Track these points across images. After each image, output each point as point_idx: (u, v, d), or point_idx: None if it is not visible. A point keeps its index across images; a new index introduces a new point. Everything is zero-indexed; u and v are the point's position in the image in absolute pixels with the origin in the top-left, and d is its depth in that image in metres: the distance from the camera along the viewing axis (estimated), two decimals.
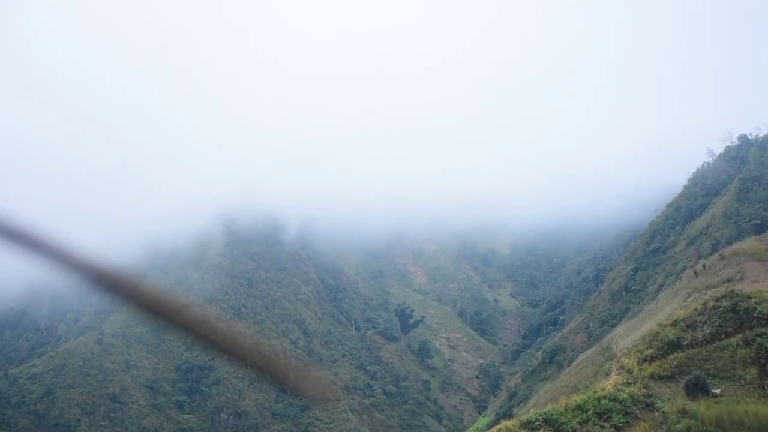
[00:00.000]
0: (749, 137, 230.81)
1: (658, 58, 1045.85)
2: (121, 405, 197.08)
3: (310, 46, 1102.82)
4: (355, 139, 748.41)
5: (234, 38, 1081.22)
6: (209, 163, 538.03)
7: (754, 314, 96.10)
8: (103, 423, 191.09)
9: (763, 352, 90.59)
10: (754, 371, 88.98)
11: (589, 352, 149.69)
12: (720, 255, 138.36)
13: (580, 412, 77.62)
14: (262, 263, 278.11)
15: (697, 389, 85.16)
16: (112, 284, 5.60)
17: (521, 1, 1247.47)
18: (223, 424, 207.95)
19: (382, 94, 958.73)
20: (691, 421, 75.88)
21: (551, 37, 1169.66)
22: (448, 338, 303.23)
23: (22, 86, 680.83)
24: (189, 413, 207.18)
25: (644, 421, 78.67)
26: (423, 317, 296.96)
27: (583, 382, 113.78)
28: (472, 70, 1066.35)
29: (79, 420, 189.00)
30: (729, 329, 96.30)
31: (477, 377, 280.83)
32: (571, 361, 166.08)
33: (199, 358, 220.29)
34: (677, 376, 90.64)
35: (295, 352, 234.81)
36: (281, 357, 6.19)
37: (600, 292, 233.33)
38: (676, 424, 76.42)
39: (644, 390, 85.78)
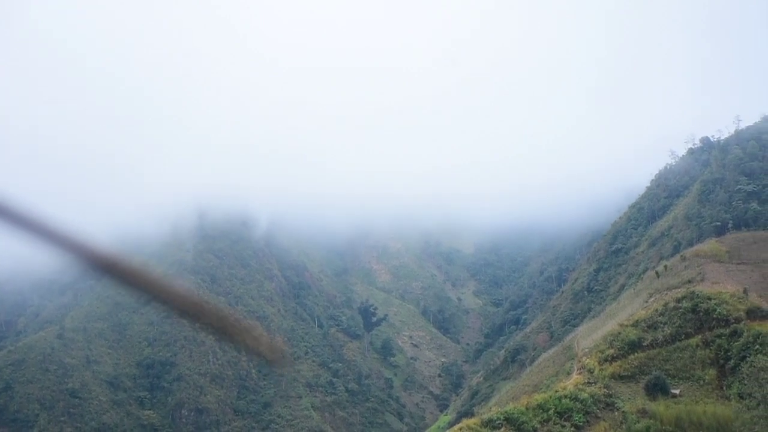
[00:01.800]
0: (711, 140, 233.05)
1: (634, 67, 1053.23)
2: (81, 400, 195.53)
3: (293, 37, 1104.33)
4: (324, 134, 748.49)
5: (221, 28, 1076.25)
6: (182, 154, 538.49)
7: (714, 315, 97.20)
8: (62, 418, 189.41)
9: (722, 353, 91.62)
10: (712, 372, 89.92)
11: (550, 351, 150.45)
12: (681, 256, 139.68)
13: (541, 411, 78.05)
14: (226, 259, 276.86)
15: (656, 389, 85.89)
16: (98, 263, 5.86)
17: (498, 19, 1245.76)
18: (184, 420, 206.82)
19: (359, 90, 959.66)
20: (651, 421, 76.51)
21: (533, 43, 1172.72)
22: (411, 336, 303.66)
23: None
24: (150, 409, 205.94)
25: (604, 420, 79.21)
26: (386, 315, 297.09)
27: (545, 381, 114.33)
28: (450, 74, 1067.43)
29: (37, 415, 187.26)
30: (689, 330, 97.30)
31: (439, 376, 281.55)
32: (532, 361, 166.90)
33: (161, 353, 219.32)
34: (637, 376, 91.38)
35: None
36: (239, 319, 6.45)
37: (562, 292, 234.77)
38: (635, 423, 77.01)
39: (605, 390, 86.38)
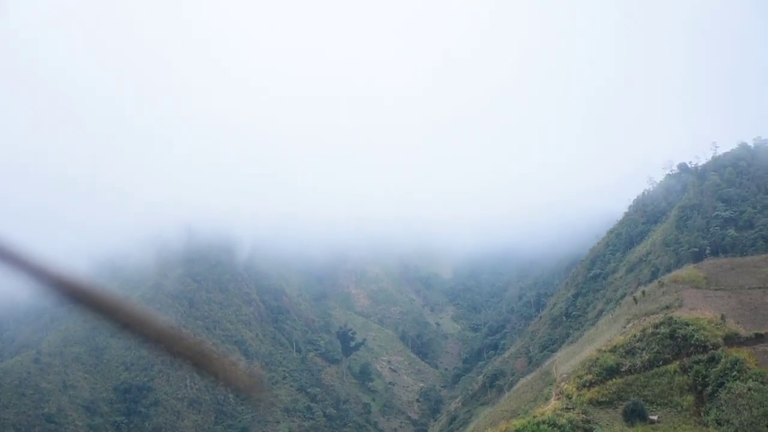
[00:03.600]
0: (689, 166, 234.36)
1: (615, 96, 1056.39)
2: (57, 426, 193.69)
3: (279, 63, 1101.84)
4: (304, 159, 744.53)
5: (207, 52, 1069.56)
6: (167, 175, 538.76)
7: (692, 341, 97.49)
8: None
9: (700, 379, 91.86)
10: (690, 398, 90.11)
11: (529, 376, 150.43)
12: (659, 282, 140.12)
13: None
14: (204, 283, 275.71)
15: (634, 415, 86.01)
16: (69, 291, 5.80)
17: (481, 51, 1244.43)
18: None
19: (340, 116, 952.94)
20: None
21: (514, 72, 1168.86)
22: (389, 361, 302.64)
23: None
24: None
25: None
26: (364, 340, 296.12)
27: (523, 406, 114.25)
28: (430, 104, 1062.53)
29: None
30: (667, 356, 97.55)
31: (417, 401, 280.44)
32: (511, 386, 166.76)
33: (138, 378, 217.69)
34: (616, 401, 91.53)
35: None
36: (216, 353, 6.39)
37: (541, 317, 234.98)
38: None
39: (583, 415, 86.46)
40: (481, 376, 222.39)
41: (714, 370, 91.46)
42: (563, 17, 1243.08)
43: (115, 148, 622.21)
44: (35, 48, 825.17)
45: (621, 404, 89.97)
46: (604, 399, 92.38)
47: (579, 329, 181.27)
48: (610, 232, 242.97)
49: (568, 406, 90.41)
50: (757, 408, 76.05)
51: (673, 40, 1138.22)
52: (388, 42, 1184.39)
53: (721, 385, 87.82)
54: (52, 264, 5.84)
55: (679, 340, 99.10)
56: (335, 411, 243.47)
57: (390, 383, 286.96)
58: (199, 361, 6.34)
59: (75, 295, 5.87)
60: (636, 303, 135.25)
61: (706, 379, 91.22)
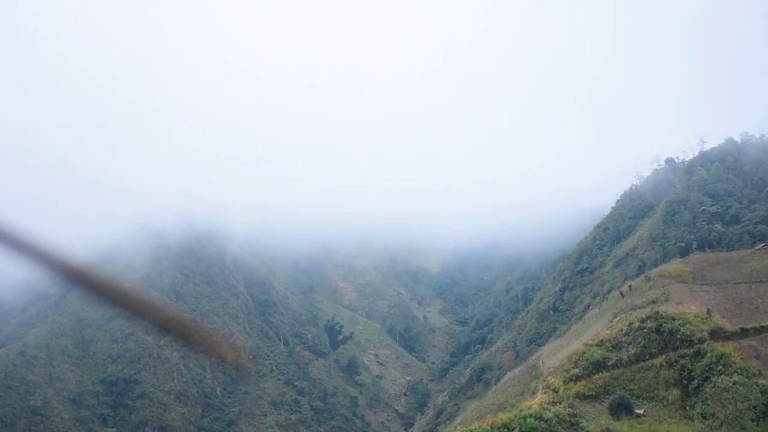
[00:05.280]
0: (676, 161, 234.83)
1: (611, 93, 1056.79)
2: (43, 418, 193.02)
3: (273, 52, 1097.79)
4: (289, 151, 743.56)
5: (202, 40, 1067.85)
6: (158, 167, 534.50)
7: (678, 336, 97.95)
8: None
9: (686, 373, 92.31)
10: (676, 392, 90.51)
11: (516, 370, 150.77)
12: (646, 277, 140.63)
13: (506, 430, 78.16)
14: (191, 276, 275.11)
15: (620, 409, 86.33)
16: (66, 272, 5.92)
17: (469, 48, 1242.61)
18: None
19: (330, 108, 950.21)
20: None
21: (505, 68, 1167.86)
22: (376, 355, 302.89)
23: None
24: (113, 427, 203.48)
25: None
26: (352, 333, 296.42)
27: (510, 400, 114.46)
28: (420, 100, 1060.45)
29: None
30: (653, 350, 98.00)
31: (405, 394, 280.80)
32: (498, 380, 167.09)
33: (125, 371, 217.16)
34: (602, 395, 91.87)
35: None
36: (203, 326, 6.52)
37: (528, 312, 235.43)
38: None
39: (569, 409, 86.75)
40: (468, 370, 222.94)
41: (699, 364, 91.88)
42: (560, 18, 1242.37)
43: (109, 138, 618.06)
44: (36, 40, 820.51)
45: (607, 398, 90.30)
46: (590, 393, 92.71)
47: (566, 323, 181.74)
48: (598, 226, 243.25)
49: (555, 400, 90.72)
50: (742, 402, 76.31)
51: (669, 39, 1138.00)
52: (387, 39, 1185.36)
53: (707, 379, 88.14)
54: (47, 245, 5.95)
55: (666, 334, 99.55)
56: (322, 404, 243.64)
57: (377, 377, 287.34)
58: (190, 339, 6.48)
59: (69, 275, 5.99)
60: (623, 297, 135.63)
61: (692, 374, 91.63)
